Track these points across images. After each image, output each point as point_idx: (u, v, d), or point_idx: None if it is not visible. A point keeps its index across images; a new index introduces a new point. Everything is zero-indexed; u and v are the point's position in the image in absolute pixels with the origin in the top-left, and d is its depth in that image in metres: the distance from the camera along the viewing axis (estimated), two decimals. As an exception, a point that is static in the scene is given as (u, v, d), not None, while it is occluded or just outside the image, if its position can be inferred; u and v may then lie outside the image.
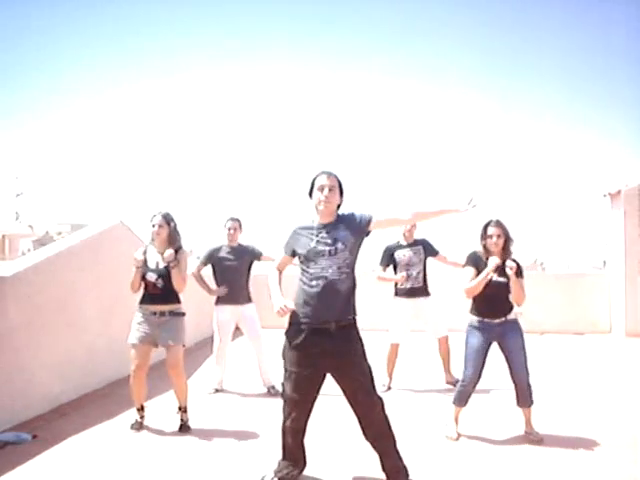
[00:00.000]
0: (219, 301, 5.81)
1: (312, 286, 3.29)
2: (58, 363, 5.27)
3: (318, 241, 3.33)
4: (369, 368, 3.35)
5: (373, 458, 3.43)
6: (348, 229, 3.36)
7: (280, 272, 3.58)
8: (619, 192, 10.11)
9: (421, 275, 5.95)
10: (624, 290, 9.93)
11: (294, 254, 3.46)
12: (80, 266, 5.70)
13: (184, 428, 4.60)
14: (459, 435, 4.37)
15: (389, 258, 5.99)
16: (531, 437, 4.31)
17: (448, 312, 6.53)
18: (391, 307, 6.09)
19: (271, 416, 4.78)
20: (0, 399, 4.44)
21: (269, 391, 5.77)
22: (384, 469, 3.37)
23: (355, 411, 3.36)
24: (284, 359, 3.41)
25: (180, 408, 4.67)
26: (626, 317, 9.85)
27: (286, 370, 3.40)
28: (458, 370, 5.54)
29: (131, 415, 4.90)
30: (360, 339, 3.37)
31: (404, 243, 5.99)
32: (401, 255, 5.93)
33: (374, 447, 3.39)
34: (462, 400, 4.40)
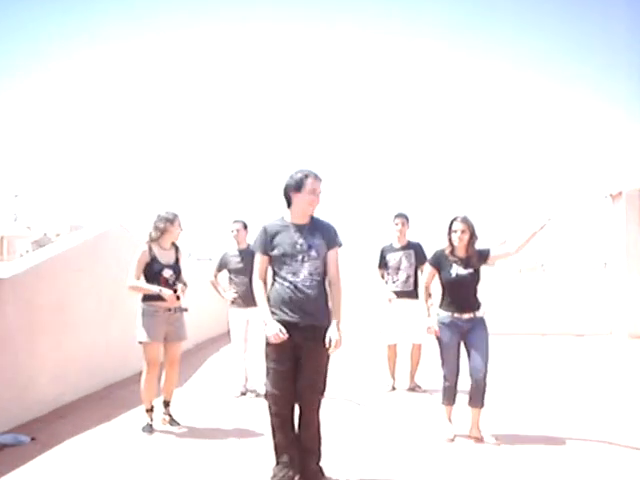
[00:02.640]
0: (231, 304, 5.77)
1: (283, 287, 3.30)
2: (56, 365, 5.23)
3: (294, 243, 3.30)
4: (325, 371, 3.35)
5: (370, 461, 3.37)
6: (323, 239, 3.35)
7: (264, 280, 3.45)
8: (620, 193, 10.09)
9: (412, 279, 5.83)
10: (625, 292, 9.91)
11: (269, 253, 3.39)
12: (78, 268, 5.67)
13: (174, 422, 4.61)
14: (455, 436, 4.31)
15: (383, 260, 5.93)
16: (485, 441, 4.21)
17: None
18: (383, 309, 6.04)
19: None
20: (-2, 401, 4.41)
21: (246, 394, 5.70)
22: (305, 470, 3.34)
23: (300, 406, 3.36)
24: (266, 358, 3.40)
25: (167, 403, 4.69)
26: (627, 319, 9.83)
27: (267, 367, 3.39)
28: (427, 374, 5.73)
29: (130, 417, 4.87)
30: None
31: (397, 245, 5.89)
32: (392, 259, 5.86)
33: (303, 445, 3.37)
34: (449, 399, 4.38)
